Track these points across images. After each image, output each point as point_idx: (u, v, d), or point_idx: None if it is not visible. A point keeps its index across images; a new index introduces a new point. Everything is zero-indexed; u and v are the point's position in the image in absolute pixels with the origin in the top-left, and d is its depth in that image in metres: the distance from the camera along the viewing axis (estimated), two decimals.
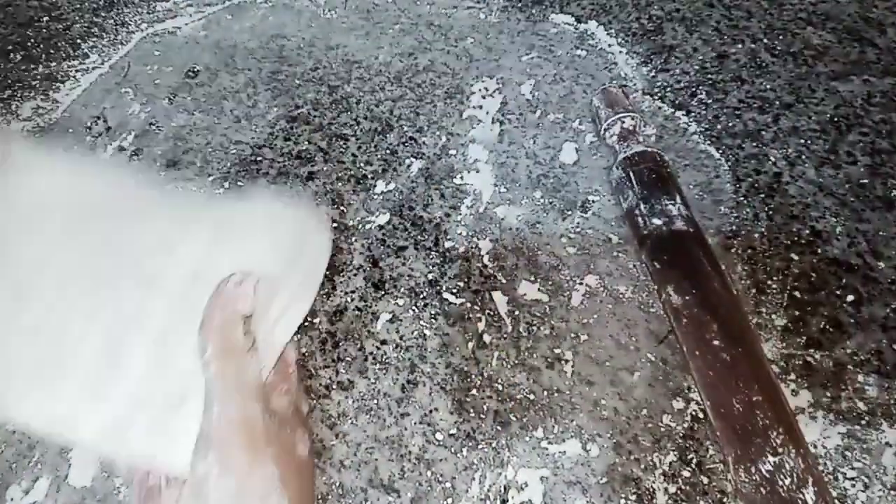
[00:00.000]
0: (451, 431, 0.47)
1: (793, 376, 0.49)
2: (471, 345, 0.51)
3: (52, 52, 0.71)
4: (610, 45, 0.71)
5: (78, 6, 0.76)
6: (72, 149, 0.63)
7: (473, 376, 0.49)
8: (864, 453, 0.46)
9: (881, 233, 0.56)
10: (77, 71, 0.69)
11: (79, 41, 0.72)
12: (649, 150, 0.56)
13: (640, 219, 0.53)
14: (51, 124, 0.65)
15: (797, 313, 0.52)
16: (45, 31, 0.73)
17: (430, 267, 0.55)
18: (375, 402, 0.48)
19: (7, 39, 0.72)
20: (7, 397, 0.38)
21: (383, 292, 0.54)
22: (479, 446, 0.46)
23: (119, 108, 0.66)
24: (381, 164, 0.61)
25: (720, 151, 0.62)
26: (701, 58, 0.70)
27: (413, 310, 0.53)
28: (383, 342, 0.51)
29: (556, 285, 0.54)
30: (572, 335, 0.51)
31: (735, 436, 0.43)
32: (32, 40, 0.72)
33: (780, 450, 0.41)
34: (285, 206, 0.45)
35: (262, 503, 0.34)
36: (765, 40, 0.71)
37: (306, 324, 0.52)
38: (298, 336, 0.51)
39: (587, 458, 0.46)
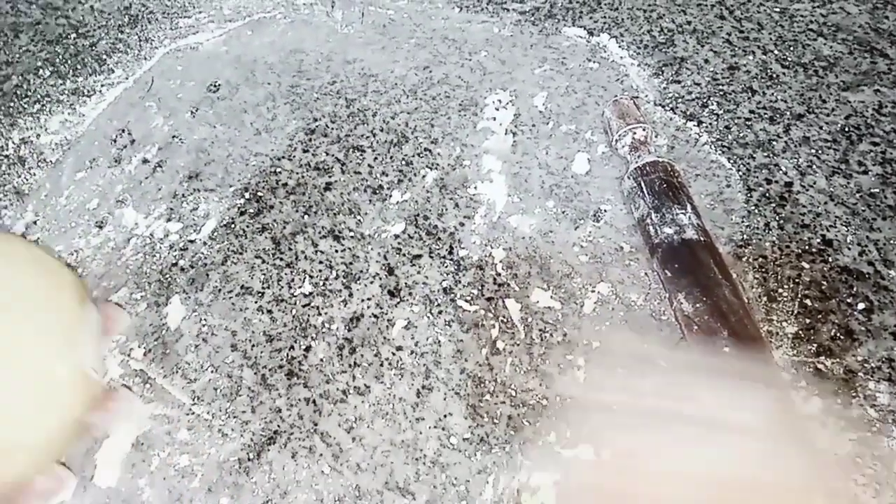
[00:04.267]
0: (466, 436, 0.48)
1: (804, 383, 0.49)
2: (484, 351, 0.52)
3: (79, 67, 0.73)
4: (622, 58, 0.72)
5: (104, 23, 0.78)
6: (97, 160, 0.65)
7: (487, 382, 0.50)
8: (875, 460, 0.46)
9: (892, 241, 0.56)
10: (103, 86, 0.72)
11: (104, 57, 0.75)
12: (661, 160, 0.57)
13: (651, 228, 0.54)
14: (78, 137, 0.67)
15: (808, 321, 0.52)
16: (72, 47, 0.76)
17: (445, 275, 0.56)
18: (391, 406, 0.49)
19: (37, 56, 0.74)
20: None
21: (399, 300, 0.55)
22: (493, 450, 0.47)
23: (143, 122, 0.68)
24: (397, 175, 0.63)
25: (731, 161, 0.62)
26: (712, 69, 0.70)
27: (428, 317, 0.54)
28: (399, 348, 0.52)
29: (569, 293, 0.55)
30: (585, 342, 0.52)
31: None
32: (60, 57, 0.74)
33: None
34: None
35: None
36: (776, 51, 0.72)
37: (324, 330, 0.53)
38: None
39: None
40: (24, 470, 0.39)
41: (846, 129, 0.64)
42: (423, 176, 0.63)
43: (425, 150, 0.65)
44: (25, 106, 0.70)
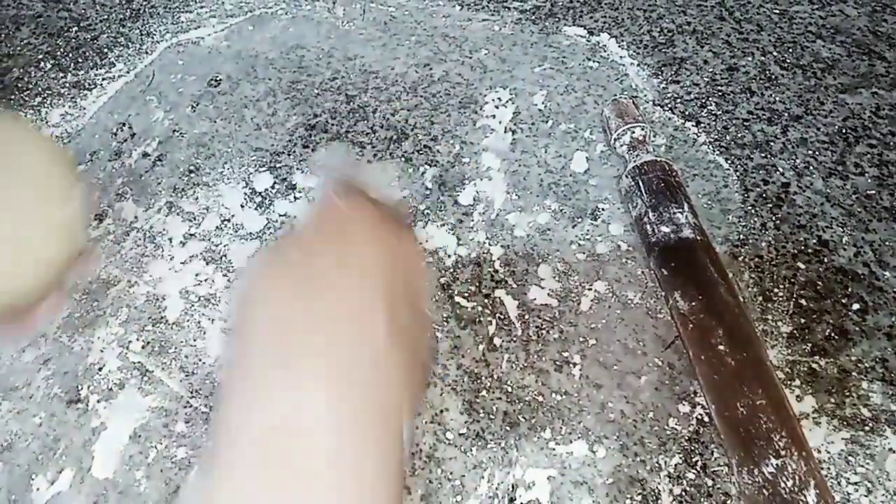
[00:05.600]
0: (462, 431, 0.48)
1: (798, 382, 0.50)
2: (481, 347, 0.52)
3: (80, 61, 0.74)
4: (621, 57, 0.72)
5: (105, 17, 0.78)
6: (98, 153, 0.65)
7: (483, 378, 0.51)
8: (868, 459, 0.46)
9: (887, 243, 0.56)
10: (104, 79, 0.72)
11: (106, 51, 0.75)
12: (658, 159, 0.58)
13: (648, 226, 0.55)
14: (78, 130, 0.67)
15: (803, 321, 0.53)
16: (73, 40, 0.76)
17: (443, 271, 0.56)
18: None
19: (38, 49, 0.75)
20: None
21: None
22: (489, 446, 0.48)
23: (144, 115, 0.68)
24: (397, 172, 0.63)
25: (729, 161, 0.63)
26: (711, 70, 0.71)
27: None
28: None
29: (566, 290, 0.55)
30: (581, 339, 0.52)
31: (739, 439, 0.44)
32: (62, 50, 0.75)
33: (783, 452, 0.42)
34: None
35: None
36: (774, 53, 0.72)
37: None
38: None
39: (594, 458, 0.47)
40: (31, 289, 0.43)
41: (843, 131, 0.64)
42: (423, 173, 0.63)
43: (425, 146, 0.65)
44: (27, 99, 0.70)
